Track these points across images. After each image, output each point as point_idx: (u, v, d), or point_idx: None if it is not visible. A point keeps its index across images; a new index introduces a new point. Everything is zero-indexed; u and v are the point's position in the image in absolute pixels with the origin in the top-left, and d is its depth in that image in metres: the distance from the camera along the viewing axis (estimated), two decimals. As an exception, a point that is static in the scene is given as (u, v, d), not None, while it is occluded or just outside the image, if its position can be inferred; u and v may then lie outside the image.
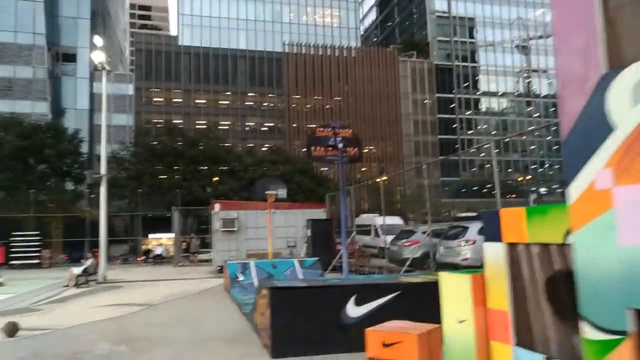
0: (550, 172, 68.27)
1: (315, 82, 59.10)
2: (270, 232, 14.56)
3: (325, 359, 5.80)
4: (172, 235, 32.51)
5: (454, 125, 65.15)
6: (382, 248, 27.09)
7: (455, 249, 14.74)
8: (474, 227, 14.94)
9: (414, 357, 3.11)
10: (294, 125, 57.81)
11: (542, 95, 69.80)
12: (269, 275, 12.64)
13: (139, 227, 32.27)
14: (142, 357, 6.14)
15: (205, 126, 48.79)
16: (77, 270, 15.80)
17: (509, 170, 66.84)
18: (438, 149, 62.89)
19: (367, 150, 60.75)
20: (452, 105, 65.27)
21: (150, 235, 37.84)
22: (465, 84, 66.51)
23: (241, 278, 12.37)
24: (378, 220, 29.62)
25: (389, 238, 27.85)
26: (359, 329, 6.12)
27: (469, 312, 2.68)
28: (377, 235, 28.92)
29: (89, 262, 16.45)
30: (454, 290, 2.82)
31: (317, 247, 18.40)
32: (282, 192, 13.54)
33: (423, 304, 6.44)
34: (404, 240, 17.22)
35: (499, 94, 68.90)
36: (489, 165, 65.95)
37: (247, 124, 56.81)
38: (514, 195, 64.55)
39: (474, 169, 66.49)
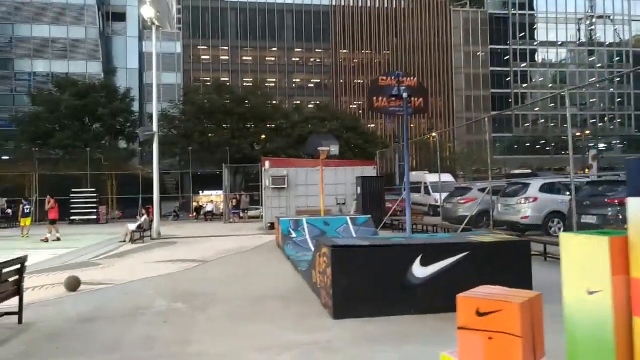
0: (611, 127, 64.17)
1: (364, 36, 57.17)
2: (323, 189, 14.23)
3: (389, 321, 5.44)
4: (222, 192, 33.10)
5: (508, 79, 61.90)
6: (432, 206, 26.49)
7: (515, 207, 13.98)
8: (536, 184, 14.07)
9: (516, 329, 2.65)
10: (341, 81, 56.58)
11: (606, 44, 64.80)
12: (321, 232, 12.39)
13: (190, 184, 32.91)
14: (199, 315, 5.99)
15: (251, 83, 48.46)
16: (132, 226, 16.16)
17: (565, 125, 63.31)
18: (490, 104, 60.16)
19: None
20: (506, 58, 61.81)
21: (201, 193, 38.71)
22: (521, 34, 62.58)
23: (294, 235, 12.18)
24: (428, 177, 28.85)
25: (438, 195, 27.22)
26: (425, 290, 5.74)
27: (604, 281, 2.17)
28: (427, 193, 28.25)
29: (143, 219, 16.79)
30: (582, 255, 2.30)
31: (367, 205, 18.04)
32: (335, 149, 13.06)
33: (495, 266, 5.96)
34: (459, 198, 16.53)
35: (559, 43, 64.50)
36: (543, 121, 62.74)
37: (293, 80, 56.03)
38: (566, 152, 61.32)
39: (528, 124, 63.41)
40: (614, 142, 62.71)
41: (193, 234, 17.90)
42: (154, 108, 19.73)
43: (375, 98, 6.77)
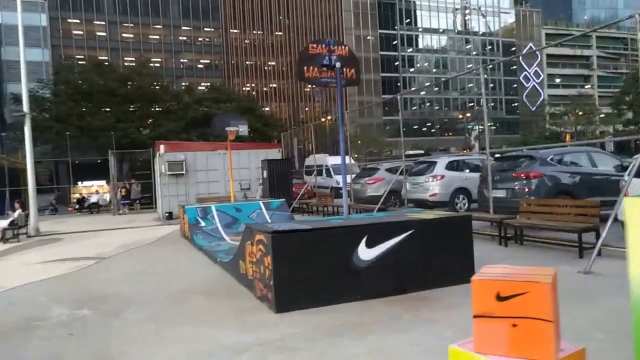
0: (486, 110, 70.06)
1: (254, 16, 55.79)
2: (232, 173, 13.34)
3: (337, 310, 4.97)
4: (104, 182, 30.19)
5: (396, 63, 64.60)
6: (334, 188, 26.62)
7: (423, 185, 14.32)
8: (442, 162, 14.52)
9: (546, 312, 2.28)
10: (232, 62, 54.75)
11: (480, 33, 70.32)
12: (233, 219, 11.57)
13: (67, 174, 29.52)
14: (114, 322, 5.02)
15: (134, 63, 44.89)
16: (3, 223, 13.92)
17: (446, 108, 68.01)
18: (380, 87, 62.40)
19: (310, 88, 59.16)
20: (394, 42, 64.37)
21: (80, 183, 35.00)
22: (407, 20, 65.49)
23: (203, 224, 11.21)
24: (330, 160, 28.93)
25: (339, 178, 27.40)
26: (370, 273, 5.36)
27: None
28: (329, 175, 28.31)
29: (17, 214, 14.51)
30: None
31: (274, 189, 17.45)
32: (244, 129, 12.22)
33: (438, 243, 5.75)
34: (367, 179, 16.61)
35: (440, 31, 68.62)
36: (429, 104, 66.65)
37: (181, 60, 53.02)
38: (450, 134, 66.12)
39: (415, 108, 66.96)
40: (489, 124, 68.59)
41: (80, 229, 15.93)
42: (23, 85, 17.06)
43: (305, 68, 6.16)
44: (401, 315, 4.70)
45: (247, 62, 54.60)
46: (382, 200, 13.03)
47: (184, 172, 18.18)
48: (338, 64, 6.17)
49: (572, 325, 3.77)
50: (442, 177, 13.93)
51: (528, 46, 70.30)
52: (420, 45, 67.29)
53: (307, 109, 61.64)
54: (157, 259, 9.19)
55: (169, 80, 42.70)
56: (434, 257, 5.67)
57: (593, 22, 74.97)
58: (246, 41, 55.55)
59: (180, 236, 12.50)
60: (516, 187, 9.94)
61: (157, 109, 33.10)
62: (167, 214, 17.85)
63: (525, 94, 69.93)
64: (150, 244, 11.39)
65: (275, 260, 5.01)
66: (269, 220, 11.70)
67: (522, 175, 9.93)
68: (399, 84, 64.03)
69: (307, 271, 5.14)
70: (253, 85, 53.46)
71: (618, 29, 75.65)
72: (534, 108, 68.14)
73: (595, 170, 10.30)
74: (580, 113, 54.79)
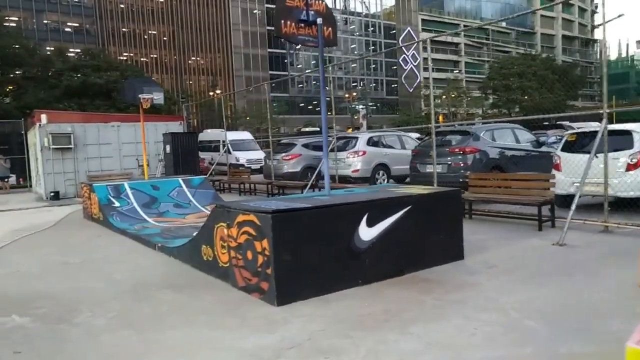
0: (367, 90, 72.66)
1: (132, -23, 50.87)
2: (145, 146, 11.84)
3: (344, 297, 4.44)
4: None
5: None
6: (233, 164, 25.58)
7: (345, 161, 14.11)
8: (363, 138, 14.42)
9: None
10: (107, 27, 49.53)
11: (363, 15, 72.14)
12: (151, 198, 10.26)
13: None
14: (71, 330, 3.92)
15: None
16: None
17: (326, 88, 68.90)
18: (267, 63, 61.28)
19: (194, 60, 56.18)
20: (281, 18, 63.32)
21: None
22: (293, -4, 64.73)
23: (117, 204, 9.76)
24: (230, 135, 27.71)
25: (240, 154, 26.41)
26: (371, 255, 4.91)
27: None
28: (227, 151, 27.07)
29: None
30: None
31: (179, 166, 16.01)
32: (159, 97, 10.76)
33: (432, 219, 5.46)
34: (283, 154, 15.96)
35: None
36: (315, 82, 67.11)
37: (44, 21, 46.57)
38: (333, 112, 67.37)
39: (301, 86, 67.03)
40: (370, 104, 71.18)
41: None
42: None
43: (283, 22, 5.36)
44: (422, 299, 4.30)
45: (123, 29, 49.77)
46: (313, 178, 12.51)
47: (71, 146, 15.87)
48: (319, 20, 5.48)
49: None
50: (364, 153, 13.85)
51: (406, 30, 74.04)
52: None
53: (190, 82, 58.41)
54: (73, 246, 7.74)
55: (31, 43, 37.20)
56: (428, 234, 5.37)
57: (460, 12, 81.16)
58: (121, 5, 50.51)
59: (84, 218, 10.83)
60: (453, 162, 10.11)
61: (20, 75, 28.66)
62: (52, 194, 15.50)
63: (403, 76, 73.72)
64: (52, 228, 9.66)
65: (276, 244, 4.29)
66: (192, 199, 10.62)
67: (459, 150, 10.12)
68: (286, 60, 63.49)
69: (308, 256, 4.50)
70: (132, 55, 49.01)
71: (481, 20, 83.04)
72: (412, 90, 72.24)
73: (520, 145, 10.89)
74: (453, 95, 59.24)
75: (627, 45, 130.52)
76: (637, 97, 67.18)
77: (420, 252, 5.30)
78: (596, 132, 8.82)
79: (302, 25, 5.47)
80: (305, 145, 16.08)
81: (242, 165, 23.99)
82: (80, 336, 3.81)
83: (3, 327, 4.07)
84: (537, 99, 47.45)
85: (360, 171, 13.69)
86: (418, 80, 72.78)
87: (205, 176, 11.78)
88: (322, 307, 4.21)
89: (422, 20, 76.52)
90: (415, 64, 74.05)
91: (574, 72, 53.15)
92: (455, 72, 78.09)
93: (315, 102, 66.09)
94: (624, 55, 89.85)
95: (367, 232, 4.87)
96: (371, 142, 14.19)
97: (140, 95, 10.42)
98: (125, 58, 48.74)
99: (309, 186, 12.13)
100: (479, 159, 10.01)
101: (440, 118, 58.20)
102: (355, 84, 70.55)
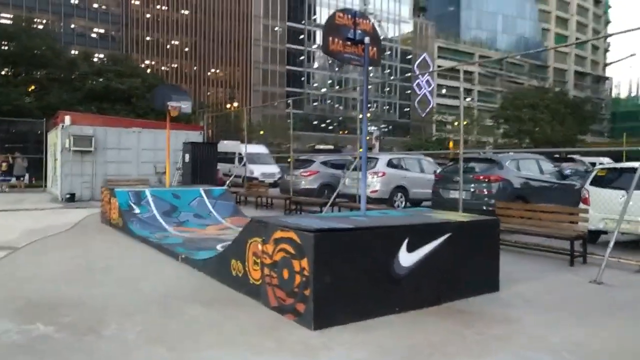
0: (379, 113, 72.89)
1: (160, -12, 51.78)
2: (169, 153, 11.83)
3: (382, 324, 4.28)
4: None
5: (302, 57, 64.36)
6: (248, 177, 25.58)
7: (367, 181, 13.98)
8: (383, 159, 14.33)
9: None
10: (131, 35, 50.28)
11: (381, 37, 72.68)
12: (172, 206, 10.18)
13: None
14: (103, 346, 3.79)
15: (11, 20, 38.98)
16: None
17: (340, 107, 69.33)
18: (285, 79, 61.74)
19: (213, 72, 56.72)
20: (301, 37, 64.04)
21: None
22: (314, 16, 65.55)
23: (137, 210, 9.68)
24: (243, 148, 27.76)
25: (255, 167, 26.36)
26: (409, 281, 4.73)
27: None
28: (244, 164, 27.06)
29: None
30: None
31: (197, 175, 15.97)
32: (187, 106, 10.77)
33: (470, 247, 5.29)
34: (301, 170, 15.88)
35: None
36: (329, 101, 67.53)
37: (72, 25, 47.39)
38: (345, 132, 67.59)
39: (316, 104, 67.38)
40: (382, 126, 71.36)
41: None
42: None
43: (331, 39, 5.31)
44: (463, 333, 4.13)
45: (147, 38, 50.50)
46: (334, 196, 12.38)
47: (92, 149, 15.91)
48: (367, 39, 5.42)
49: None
50: (384, 174, 13.74)
51: (423, 56, 74.52)
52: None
53: (208, 93, 58.92)
54: (93, 251, 7.64)
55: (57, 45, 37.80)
56: (466, 263, 5.20)
57: (476, 41, 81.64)
58: (147, 15, 51.33)
59: (101, 222, 10.75)
60: (477, 190, 9.95)
61: (45, 75, 29.00)
62: (68, 196, 15.49)
63: (417, 101, 73.98)
64: (70, 231, 9.57)
65: (317, 264, 4.16)
66: (212, 210, 10.52)
67: (484, 177, 9.98)
68: (302, 78, 63.95)
69: (347, 279, 4.36)
70: (153, 62, 49.58)
71: (496, 51, 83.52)
72: (424, 114, 72.37)
73: (543, 177, 10.73)
74: (465, 123, 59.16)
75: (638, 84, 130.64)
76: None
77: (457, 281, 5.13)
78: (629, 168, 8.67)
79: (349, 43, 5.41)
80: (324, 163, 16.02)
81: (256, 178, 23.92)
82: (110, 351, 3.66)
83: (28, 336, 3.93)
84: (549, 132, 47.31)
85: (378, 192, 13.56)
86: (431, 106, 72.99)
87: (225, 187, 11.71)
88: (361, 334, 4.05)
89: (439, 47, 77.04)
90: (429, 90, 74.35)
91: (585, 107, 52.97)
92: (467, 99, 78.26)
93: (329, 121, 66.39)
94: (633, 94, 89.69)
95: (407, 258, 4.72)
96: (391, 164, 14.10)
97: (169, 103, 10.41)
98: (146, 66, 49.31)
99: (329, 204, 11.98)
100: (503, 188, 9.86)
101: (451, 144, 58.24)
102: (370, 105, 70.73)
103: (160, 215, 9.74)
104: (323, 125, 65.96)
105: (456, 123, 59.01)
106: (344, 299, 4.33)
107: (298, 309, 4.31)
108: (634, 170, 8.54)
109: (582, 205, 8.79)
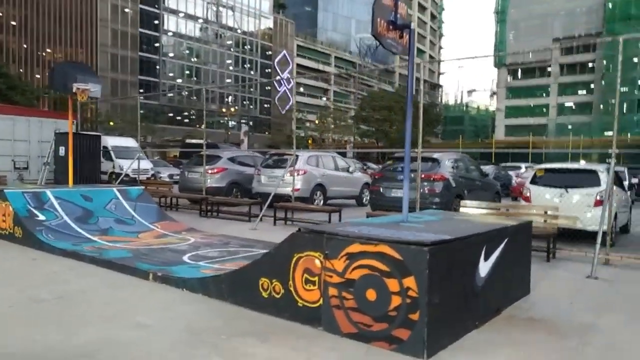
0: (241, 107, 71.47)
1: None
2: (72, 146, 9.65)
3: (477, 345, 3.81)
4: None
5: (157, 44, 59.80)
6: (114, 173, 22.87)
7: (285, 179, 13.22)
8: (303, 157, 13.72)
9: None
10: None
11: (240, 31, 71.19)
12: (85, 211, 8.27)
13: None
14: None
15: None
16: None
17: (202, 100, 66.36)
18: (138, 66, 56.73)
19: (49, 52, 49.66)
20: (156, 22, 59.44)
21: None
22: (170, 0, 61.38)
23: (41, 217, 7.64)
24: (110, 140, 24.74)
25: (124, 162, 23.67)
26: (485, 291, 4.37)
27: None
28: (108, 158, 24.00)
29: None
30: None
31: (76, 172, 13.47)
32: (97, 89, 8.76)
33: (516, 251, 5.10)
34: (208, 167, 14.42)
35: (199, 20, 66.48)
36: (186, 93, 64.13)
37: None
38: (202, 126, 64.94)
39: (172, 94, 63.34)
40: (242, 120, 70.06)
41: None
42: None
43: (379, 20, 4.60)
44: (574, 347, 3.84)
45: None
46: (291, 192, 11.40)
47: None
48: (413, 25, 4.83)
49: None
50: (305, 172, 13.16)
51: (282, 53, 75.09)
52: (183, 30, 63.85)
53: (38, 75, 51.19)
54: (11, 274, 5.70)
55: None
56: (515, 268, 4.98)
57: (332, 44, 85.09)
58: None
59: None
60: (423, 188, 9.98)
61: None
62: None
63: (277, 97, 74.28)
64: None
65: (431, 283, 3.49)
66: (134, 214, 8.85)
67: (427, 177, 10.03)
68: (158, 67, 59.51)
69: (445, 296, 3.77)
70: None
71: (351, 54, 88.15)
72: (284, 111, 73.03)
73: (472, 175, 11.25)
74: (324, 121, 61.19)
75: (462, 93, 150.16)
76: (474, 137, 76.91)
77: (509, 287, 4.87)
78: (564, 168, 9.48)
79: (391, 27, 4.77)
80: (231, 159, 14.83)
81: (128, 175, 21.39)
82: None
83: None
84: (403, 132, 51.45)
85: (300, 190, 12.93)
86: (290, 103, 73.92)
87: (143, 187, 9.96)
88: (476, 358, 3.51)
89: (298, 45, 78.36)
90: (289, 87, 75.20)
91: (433, 111, 58.86)
92: (323, 99, 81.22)
93: (186, 114, 62.92)
94: (459, 101, 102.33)
95: (484, 267, 4.30)
96: (310, 162, 13.59)
97: (74, 84, 8.39)
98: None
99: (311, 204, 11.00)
100: (447, 187, 10.06)
101: (310, 141, 59.74)
102: (228, 99, 68.90)
103: (74, 222, 7.84)
104: (179, 118, 62.34)
105: (317, 122, 60.72)
106: (443, 319, 3.73)
107: (397, 336, 3.59)
108: (567, 170, 9.39)
109: (522, 202, 9.36)
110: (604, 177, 8.65)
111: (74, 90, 8.47)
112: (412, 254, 3.54)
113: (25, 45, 51.06)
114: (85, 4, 52.03)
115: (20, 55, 50.83)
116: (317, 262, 4.05)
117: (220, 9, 67.48)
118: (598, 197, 8.51)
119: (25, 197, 7.82)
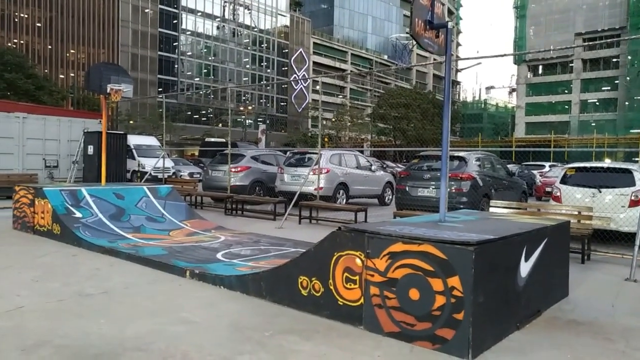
0: (258, 105, 71.79)
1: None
2: (105, 143, 9.84)
3: (521, 346, 3.81)
4: None
5: (175, 43, 60.38)
6: (136, 172, 23.23)
7: (309, 178, 13.29)
8: (326, 156, 13.77)
9: None
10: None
11: (257, 30, 71.44)
12: (118, 209, 8.44)
13: None
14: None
15: None
16: None
17: (220, 99, 67.06)
18: (157, 66, 57.36)
19: (73, 53, 50.49)
20: (175, 22, 60.01)
21: None
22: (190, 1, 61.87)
23: (78, 214, 7.83)
24: (132, 139, 25.07)
25: (146, 161, 23.98)
26: (526, 292, 4.37)
27: None
28: (130, 156, 24.39)
29: None
30: None
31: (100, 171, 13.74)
32: (129, 89, 8.94)
33: (555, 251, 5.07)
34: (231, 165, 14.56)
35: (217, 19, 66.92)
36: (206, 92, 64.64)
37: None
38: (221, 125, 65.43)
39: (190, 93, 63.92)
40: (259, 119, 70.40)
41: None
42: None
43: (417, 20, 4.62)
44: (608, 348, 3.82)
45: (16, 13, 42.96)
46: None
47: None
48: (450, 24, 4.84)
49: None
50: (328, 170, 13.21)
51: (299, 51, 75.18)
52: (200, 29, 64.35)
53: (61, 75, 52.13)
54: (55, 270, 5.85)
55: None
56: (553, 268, 4.96)
57: (348, 41, 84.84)
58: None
59: (15, 229, 8.54)
60: (450, 187, 9.94)
61: None
62: None
63: (293, 95, 74.44)
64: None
65: (476, 283, 3.51)
66: (164, 212, 9.00)
67: (454, 175, 9.99)
68: (176, 66, 60.08)
69: (489, 296, 3.78)
70: (23, 42, 42.34)
71: (367, 51, 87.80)
72: (300, 110, 73.15)
73: (498, 174, 11.17)
74: (340, 119, 61.06)
75: (480, 89, 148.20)
76: (493, 135, 76.02)
77: (548, 288, 4.85)
78: (596, 167, 9.33)
79: (428, 27, 4.78)
80: (254, 158, 14.95)
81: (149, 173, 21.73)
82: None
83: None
84: (421, 130, 51.08)
85: (324, 189, 12.98)
86: (307, 101, 74.01)
87: (172, 186, 10.11)
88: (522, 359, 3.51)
89: (314, 43, 78.36)
90: (305, 85, 75.29)
91: (452, 108, 58.35)
92: (340, 97, 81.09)
93: (203, 112, 63.44)
94: (477, 98, 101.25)
95: (524, 267, 4.29)
96: (334, 161, 13.63)
97: (108, 85, 8.57)
98: (15, 45, 42.00)
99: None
100: (475, 186, 10.00)
101: (326, 139, 59.68)
102: (246, 97, 69.22)
103: (108, 219, 8.01)
104: (197, 116, 62.87)
105: (334, 120, 60.65)
106: (487, 319, 3.74)
107: (441, 335, 3.61)
108: (599, 169, 9.25)
109: (552, 202, 9.26)
110: (639, 177, 8.53)
111: (108, 91, 8.64)
112: (458, 254, 3.56)
113: (50, 46, 51.96)
114: (107, 5, 52.75)
115: (45, 55, 51.75)
116: (358, 261, 4.09)
117: (237, 7, 67.85)
118: (633, 197, 8.39)
119: (62, 195, 8.02)
